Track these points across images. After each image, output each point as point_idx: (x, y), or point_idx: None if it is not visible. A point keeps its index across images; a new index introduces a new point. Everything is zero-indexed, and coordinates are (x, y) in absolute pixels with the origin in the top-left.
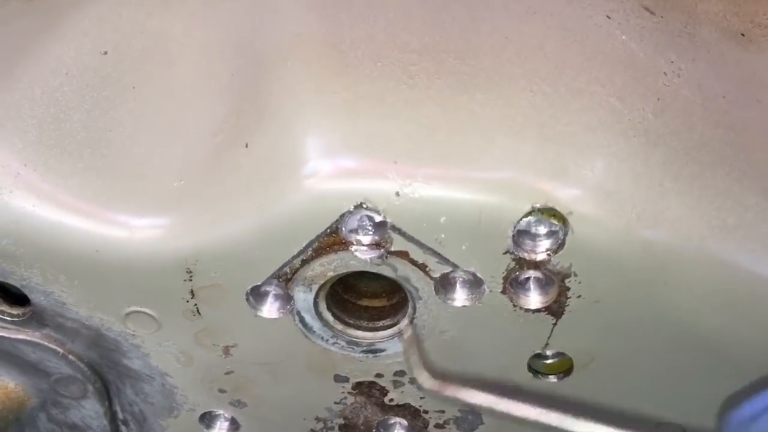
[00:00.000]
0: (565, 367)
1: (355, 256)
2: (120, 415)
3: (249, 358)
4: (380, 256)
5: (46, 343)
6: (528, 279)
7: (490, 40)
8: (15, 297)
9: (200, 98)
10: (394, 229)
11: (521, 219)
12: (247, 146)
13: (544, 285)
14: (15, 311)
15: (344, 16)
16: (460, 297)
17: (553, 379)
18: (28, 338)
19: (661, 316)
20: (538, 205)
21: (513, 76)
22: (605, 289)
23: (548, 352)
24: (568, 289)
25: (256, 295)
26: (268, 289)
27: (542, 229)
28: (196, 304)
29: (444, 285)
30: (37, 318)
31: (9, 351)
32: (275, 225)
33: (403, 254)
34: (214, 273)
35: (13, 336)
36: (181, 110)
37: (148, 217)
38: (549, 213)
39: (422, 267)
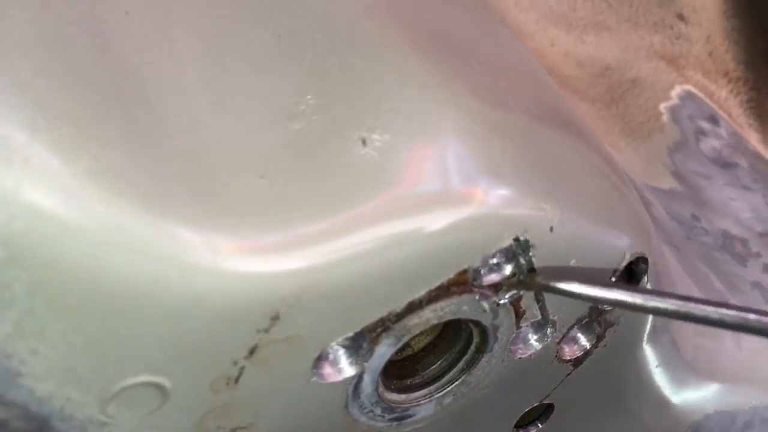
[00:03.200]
0: (537, 414)
1: (474, 301)
2: None
3: None
4: (497, 302)
5: None
6: (579, 328)
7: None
8: None
9: (240, 53)
10: (531, 269)
11: (622, 264)
12: (365, 143)
13: (590, 334)
14: None
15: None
16: (528, 347)
17: (531, 429)
18: None
19: None
20: (636, 250)
21: None
22: (627, 337)
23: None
24: (604, 338)
25: (332, 350)
26: (349, 342)
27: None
28: (242, 368)
29: (522, 335)
30: None
31: None
32: (421, 252)
33: (516, 299)
34: (306, 320)
35: None
36: (214, 59)
37: (231, 231)
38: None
39: (521, 314)
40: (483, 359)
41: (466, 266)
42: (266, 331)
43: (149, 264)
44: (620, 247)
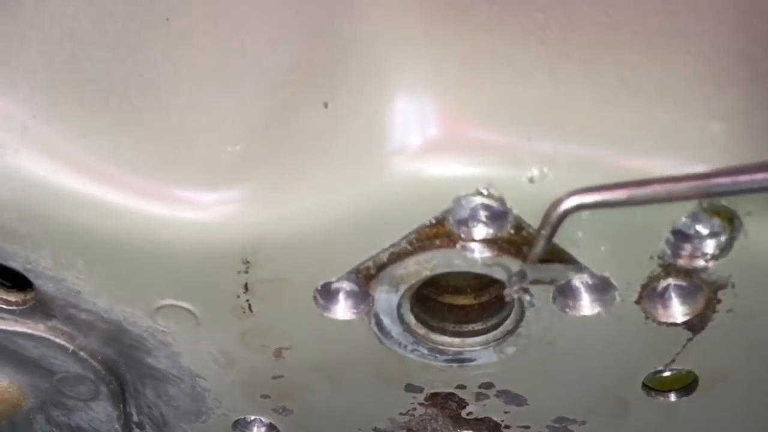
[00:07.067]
0: (684, 383)
1: (463, 255)
2: (135, 418)
3: (306, 363)
4: (495, 257)
5: (52, 338)
6: (669, 288)
7: None
8: (15, 279)
9: (255, 37)
10: (520, 223)
11: (683, 217)
12: (326, 106)
13: (688, 296)
14: (14, 298)
15: None
16: (584, 306)
17: (672, 397)
18: (30, 331)
19: None
20: (704, 203)
21: (665, 32)
22: (765, 303)
23: (671, 370)
24: (719, 302)
25: (327, 292)
26: (341, 286)
27: (704, 231)
28: (248, 300)
29: (566, 291)
30: (42, 308)
31: (5, 345)
32: (365, 210)
33: (521, 254)
34: (278, 266)
35: (10, 328)
36: (229, 52)
37: (196, 191)
38: (715, 211)
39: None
40: (528, 314)
41: (432, 218)
42: (246, 272)
43: (123, 215)
44: None
